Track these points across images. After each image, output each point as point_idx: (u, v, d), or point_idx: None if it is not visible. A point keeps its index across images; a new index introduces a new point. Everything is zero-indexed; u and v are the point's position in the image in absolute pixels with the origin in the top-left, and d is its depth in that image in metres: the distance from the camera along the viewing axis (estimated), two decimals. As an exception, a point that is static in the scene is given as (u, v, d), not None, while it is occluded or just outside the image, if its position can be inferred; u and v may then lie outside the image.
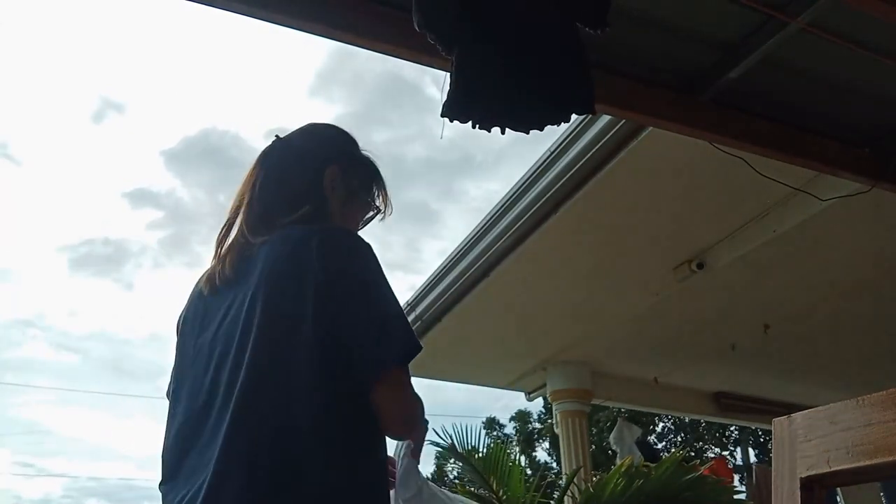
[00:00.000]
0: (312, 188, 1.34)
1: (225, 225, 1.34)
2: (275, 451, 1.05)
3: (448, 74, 2.21)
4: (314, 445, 1.07)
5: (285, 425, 1.07)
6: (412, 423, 1.21)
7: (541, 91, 1.71)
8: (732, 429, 18.63)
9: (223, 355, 1.15)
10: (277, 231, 1.24)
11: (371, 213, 1.45)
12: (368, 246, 1.23)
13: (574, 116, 3.47)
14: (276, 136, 1.42)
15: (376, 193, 1.44)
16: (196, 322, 1.27)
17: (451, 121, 1.65)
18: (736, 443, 19.61)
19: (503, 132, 1.69)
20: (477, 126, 1.66)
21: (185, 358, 1.26)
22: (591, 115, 3.20)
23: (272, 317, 1.12)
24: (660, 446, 17.44)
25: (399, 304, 1.21)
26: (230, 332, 1.15)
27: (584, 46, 1.73)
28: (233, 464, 1.05)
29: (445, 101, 1.65)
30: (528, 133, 1.73)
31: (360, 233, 1.42)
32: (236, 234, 1.30)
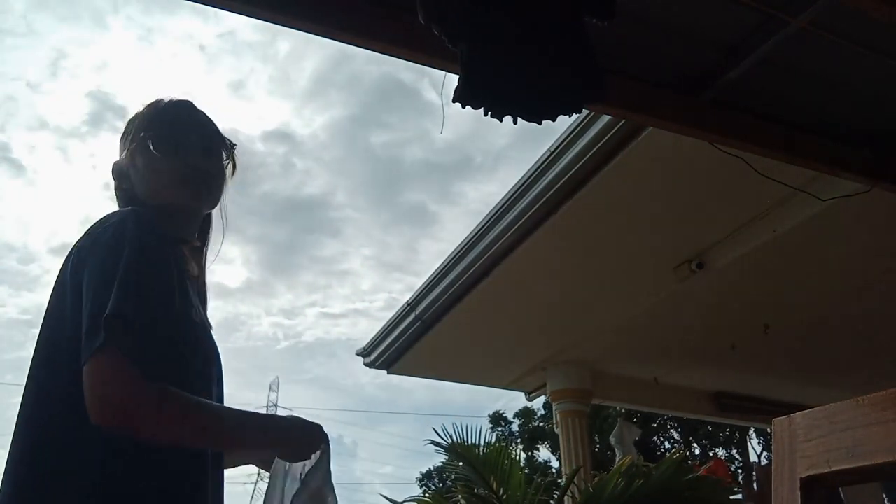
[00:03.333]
0: (123, 167, 1.37)
1: None
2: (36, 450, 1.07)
3: (446, 75, 2.22)
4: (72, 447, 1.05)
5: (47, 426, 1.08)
6: (113, 408, 1.00)
7: (552, 81, 1.69)
8: (728, 431, 18.61)
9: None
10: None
11: (186, 162, 1.32)
12: (132, 225, 1.14)
13: (571, 119, 3.50)
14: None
15: (185, 134, 1.35)
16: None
17: (464, 106, 1.61)
18: (730, 442, 19.60)
19: (515, 122, 1.65)
20: (489, 114, 1.64)
21: None
22: (593, 113, 3.21)
23: (49, 311, 1.16)
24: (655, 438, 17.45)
25: (132, 281, 1.07)
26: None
27: (591, 37, 1.73)
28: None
29: (457, 87, 1.63)
30: (540, 124, 1.71)
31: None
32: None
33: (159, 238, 1.19)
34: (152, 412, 1.01)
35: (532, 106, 1.70)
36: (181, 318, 1.16)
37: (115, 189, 1.38)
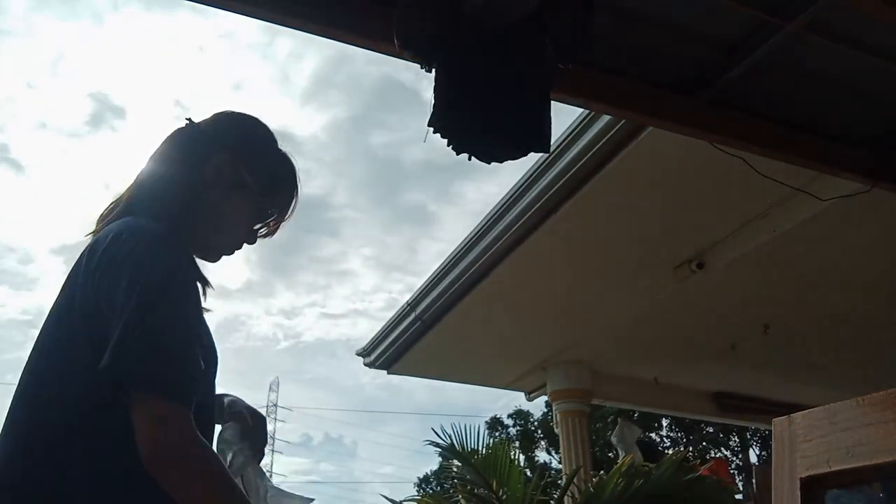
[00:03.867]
0: (192, 178, 1.27)
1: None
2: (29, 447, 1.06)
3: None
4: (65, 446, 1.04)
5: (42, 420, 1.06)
6: (164, 465, 0.99)
7: (504, 126, 1.78)
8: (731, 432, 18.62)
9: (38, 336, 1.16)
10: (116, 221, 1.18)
11: (265, 210, 1.33)
12: (172, 255, 1.13)
13: (571, 118, 3.50)
14: (188, 119, 1.35)
15: (278, 193, 1.34)
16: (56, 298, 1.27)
17: (435, 133, 1.71)
18: (731, 446, 19.60)
19: (469, 159, 1.75)
20: (451, 146, 1.72)
21: None
22: (593, 113, 3.23)
23: (55, 311, 1.14)
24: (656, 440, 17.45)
25: (182, 329, 1.07)
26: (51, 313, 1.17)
27: (550, 81, 1.80)
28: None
29: (432, 114, 1.71)
30: (489, 163, 1.80)
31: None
32: (108, 209, 1.28)
33: (190, 262, 1.20)
34: (193, 471, 1.01)
35: (486, 147, 1.79)
36: (203, 334, 1.16)
37: (146, 176, 1.29)
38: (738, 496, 6.51)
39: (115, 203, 1.28)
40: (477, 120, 1.73)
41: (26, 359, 1.14)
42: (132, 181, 1.29)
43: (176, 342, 1.05)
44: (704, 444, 19.03)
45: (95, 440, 1.04)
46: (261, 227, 1.36)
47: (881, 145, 2.94)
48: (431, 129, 1.70)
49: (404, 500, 4.44)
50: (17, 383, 1.13)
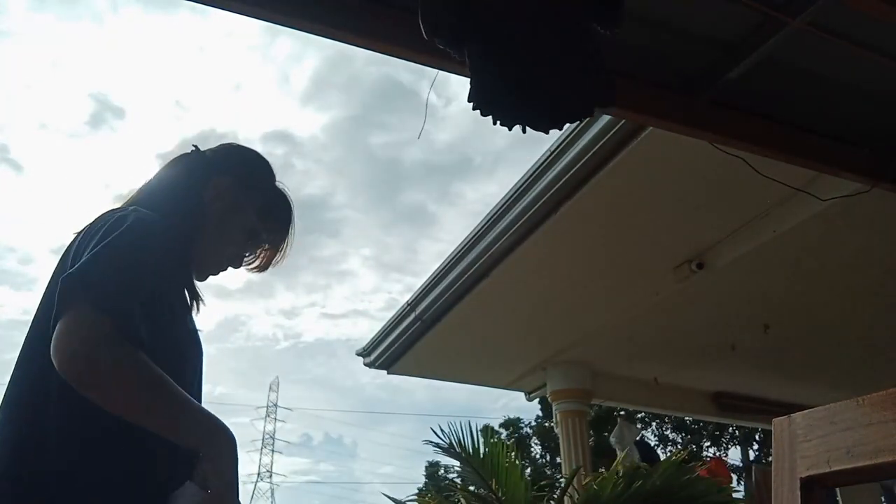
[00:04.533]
0: (194, 191, 1.35)
1: None
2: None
3: (438, 73, 2.22)
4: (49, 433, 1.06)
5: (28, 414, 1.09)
6: (75, 362, 0.98)
7: (560, 88, 1.70)
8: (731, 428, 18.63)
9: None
10: None
11: (256, 235, 1.41)
12: (158, 227, 1.18)
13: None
14: (194, 146, 1.44)
15: (273, 223, 1.43)
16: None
17: (474, 109, 1.62)
18: (734, 443, 19.61)
19: (524, 131, 1.66)
20: (498, 122, 1.63)
21: None
22: (578, 129, 3.21)
23: (44, 298, 1.17)
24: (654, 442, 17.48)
25: (129, 256, 1.09)
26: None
27: (598, 40, 1.72)
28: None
29: (471, 91, 1.63)
30: (547, 133, 1.71)
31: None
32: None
33: (181, 251, 1.25)
34: (114, 370, 1.00)
35: (539, 114, 1.71)
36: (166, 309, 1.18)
37: (151, 185, 1.36)
38: (738, 495, 6.51)
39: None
40: (527, 87, 1.66)
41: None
42: (135, 192, 1.36)
43: (114, 261, 1.06)
44: (688, 435, 19.03)
45: (66, 407, 1.05)
46: (249, 256, 1.44)
47: (881, 145, 2.94)
48: (472, 106, 1.63)
49: (406, 500, 4.44)
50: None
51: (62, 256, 1.21)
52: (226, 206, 1.37)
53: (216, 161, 1.41)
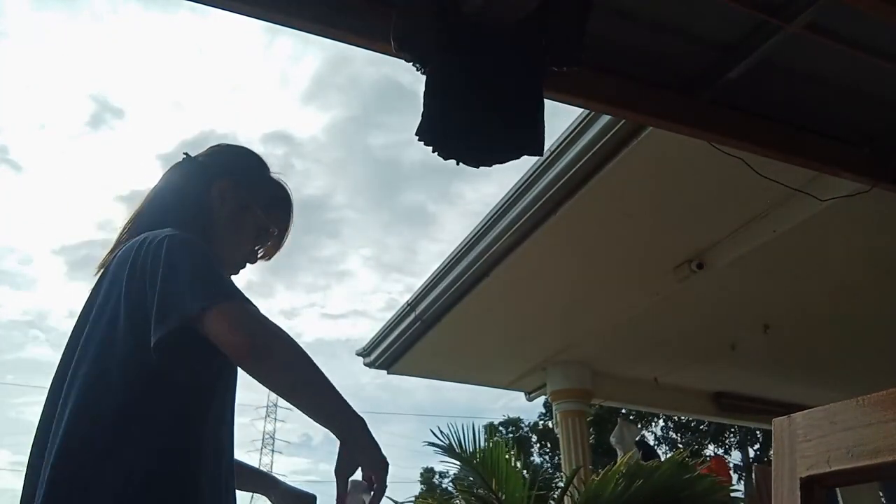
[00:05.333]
0: (199, 198, 1.39)
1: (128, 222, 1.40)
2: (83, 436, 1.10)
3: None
4: (114, 430, 1.10)
5: (94, 413, 1.12)
6: (256, 345, 1.07)
7: (497, 130, 1.78)
8: (732, 429, 18.63)
9: (71, 343, 1.24)
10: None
11: (266, 230, 1.45)
12: (198, 244, 1.23)
13: (571, 119, 3.50)
14: (185, 153, 1.47)
15: (278, 213, 1.47)
16: (82, 308, 1.34)
17: (419, 140, 1.72)
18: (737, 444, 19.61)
19: (458, 163, 1.76)
20: (437, 153, 1.73)
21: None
22: (593, 113, 3.22)
23: (99, 313, 1.20)
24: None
25: (211, 270, 1.17)
26: (80, 323, 1.24)
27: (541, 91, 1.80)
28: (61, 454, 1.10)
29: (419, 124, 1.72)
30: (477, 168, 1.81)
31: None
32: (121, 233, 1.38)
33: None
34: (281, 346, 1.09)
35: (473, 149, 1.79)
36: None
37: (155, 198, 1.40)
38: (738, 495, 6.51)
39: (130, 224, 1.37)
40: (468, 123, 1.74)
41: (62, 359, 1.23)
42: (139, 209, 1.40)
43: (202, 268, 1.15)
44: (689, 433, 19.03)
45: (141, 419, 1.11)
46: (259, 248, 1.47)
47: (881, 145, 2.94)
48: (417, 137, 1.72)
49: (406, 500, 4.44)
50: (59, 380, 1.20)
51: (100, 289, 1.24)
52: (233, 207, 1.40)
53: (212, 165, 1.44)
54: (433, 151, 1.73)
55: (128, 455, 1.08)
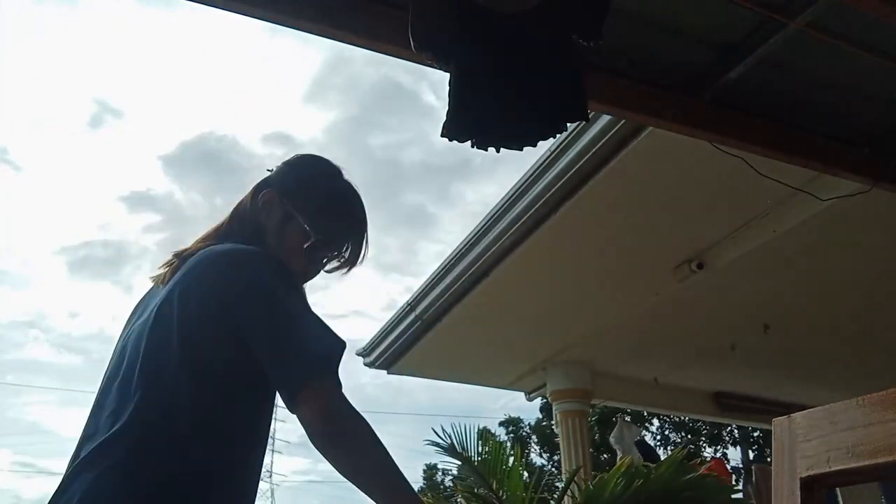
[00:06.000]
0: (251, 212, 1.40)
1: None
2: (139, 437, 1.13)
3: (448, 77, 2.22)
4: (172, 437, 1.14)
5: (152, 419, 1.14)
6: (334, 438, 1.14)
7: (536, 106, 1.74)
8: (730, 428, 18.64)
9: (128, 347, 1.26)
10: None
11: (316, 242, 1.39)
12: (277, 265, 1.26)
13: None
14: (269, 169, 1.46)
15: (323, 223, 1.39)
16: (136, 312, 1.37)
17: (451, 140, 1.67)
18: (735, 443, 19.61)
19: (498, 151, 1.71)
20: (475, 146, 1.68)
21: (117, 342, 1.35)
22: (593, 113, 3.20)
23: (161, 322, 1.21)
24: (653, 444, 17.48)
25: (310, 321, 1.23)
26: (140, 329, 1.25)
27: (580, 55, 1.75)
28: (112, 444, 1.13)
29: (445, 122, 1.67)
30: (521, 150, 1.76)
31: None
32: (194, 242, 1.38)
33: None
34: (358, 438, 1.15)
35: (515, 133, 1.74)
36: None
37: (235, 218, 1.42)
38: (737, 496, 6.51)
39: (209, 237, 1.40)
40: (501, 108, 1.69)
41: (116, 353, 1.29)
42: (225, 220, 1.43)
43: (310, 335, 1.20)
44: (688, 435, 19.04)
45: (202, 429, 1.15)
46: (325, 260, 1.44)
47: (881, 145, 2.94)
48: (447, 138, 1.68)
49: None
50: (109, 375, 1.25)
51: (177, 286, 1.25)
52: (278, 218, 1.39)
53: (271, 178, 1.44)
54: (472, 146, 1.67)
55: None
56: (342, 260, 1.44)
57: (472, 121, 1.68)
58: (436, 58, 1.70)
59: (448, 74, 1.70)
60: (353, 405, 1.17)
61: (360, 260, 1.45)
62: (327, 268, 1.45)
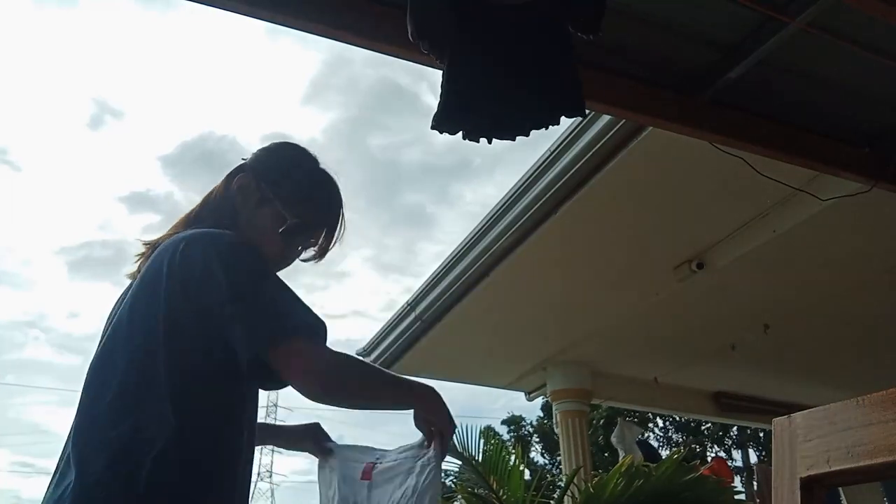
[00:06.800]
0: (224, 196, 1.40)
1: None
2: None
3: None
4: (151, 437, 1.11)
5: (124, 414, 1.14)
6: (322, 376, 1.16)
7: (531, 96, 1.71)
8: (734, 429, 18.63)
9: (102, 342, 1.26)
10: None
11: (291, 226, 1.38)
12: (241, 246, 1.26)
13: (571, 119, 3.49)
14: (243, 158, 1.46)
15: (306, 208, 1.39)
16: (114, 307, 1.35)
17: (441, 132, 1.66)
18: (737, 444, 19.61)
19: (490, 142, 1.70)
20: (466, 138, 1.67)
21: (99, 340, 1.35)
22: (593, 113, 3.20)
23: (130, 315, 1.22)
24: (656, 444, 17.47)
25: (288, 297, 1.23)
26: (116, 321, 1.25)
27: (574, 49, 1.73)
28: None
29: (435, 115, 1.66)
30: (514, 140, 1.74)
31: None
32: (168, 231, 1.38)
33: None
34: (347, 380, 1.21)
35: (509, 122, 1.72)
36: None
37: (206, 205, 1.41)
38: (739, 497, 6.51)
39: (181, 224, 1.39)
40: (493, 98, 1.66)
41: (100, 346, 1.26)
42: (196, 206, 1.42)
43: (278, 303, 1.20)
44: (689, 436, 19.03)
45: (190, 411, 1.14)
46: (301, 247, 1.44)
47: (881, 145, 2.94)
48: (437, 130, 1.66)
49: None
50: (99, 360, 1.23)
51: (146, 275, 1.25)
52: (253, 202, 1.38)
53: (246, 164, 1.44)
54: (464, 137, 1.66)
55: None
56: (318, 248, 1.45)
57: (463, 112, 1.66)
58: (431, 47, 1.69)
59: (443, 66, 1.69)
60: (332, 350, 1.19)
61: (333, 244, 1.46)
62: (303, 256, 1.45)
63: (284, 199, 1.38)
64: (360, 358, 1.22)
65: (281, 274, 1.33)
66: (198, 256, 1.20)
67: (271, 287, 1.22)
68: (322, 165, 1.47)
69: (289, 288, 1.26)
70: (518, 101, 1.70)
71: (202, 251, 1.21)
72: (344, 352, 1.23)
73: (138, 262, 1.34)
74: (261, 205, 1.38)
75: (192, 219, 1.38)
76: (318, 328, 1.20)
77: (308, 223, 1.40)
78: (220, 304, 1.15)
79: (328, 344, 1.21)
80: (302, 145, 1.49)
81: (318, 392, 1.15)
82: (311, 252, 1.45)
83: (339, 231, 1.45)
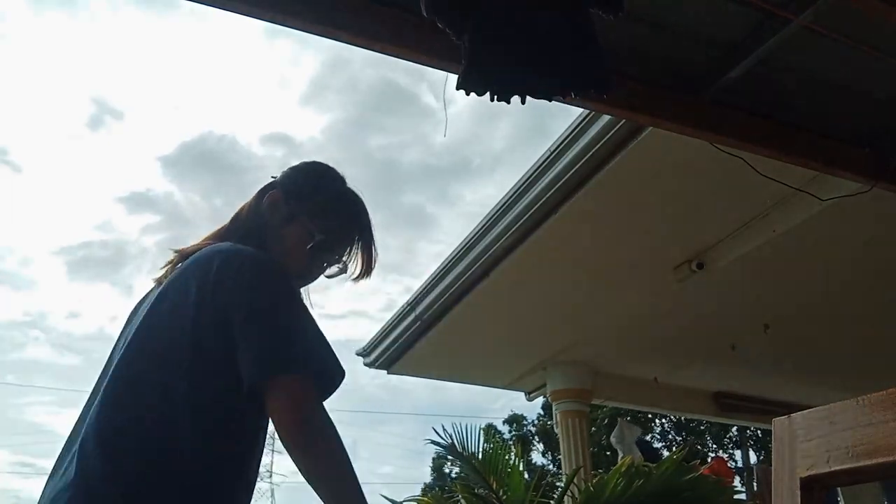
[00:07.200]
0: (255, 212, 1.43)
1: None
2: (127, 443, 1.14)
3: (447, 76, 2.22)
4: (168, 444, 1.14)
5: (145, 420, 1.15)
6: (302, 432, 1.16)
7: (557, 62, 1.66)
8: (734, 430, 18.64)
9: (122, 346, 1.27)
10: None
11: (318, 243, 1.40)
12: (275, 269, 1.28)
13: (571, 119, 3.48)
14: (273, 176, 1.49)
15: (324, 224, 1.41)
16: (136, 310, 1.36)
17: (468, 93, 1.59)
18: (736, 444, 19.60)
19: (523, 101, 1.62)
20: (495, 98, 1.59)
21: (117, 340, 1.36)
22: (593, 113, 3.20)
23: (154, 325, 1.23)
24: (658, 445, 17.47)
25: (307, 327, 1.24)
26: (139, 326, 1.26)
27: (595, 27, 1.70)
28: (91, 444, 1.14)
29: (460, 75, 1.60)
30: (550, 100, 1.68)
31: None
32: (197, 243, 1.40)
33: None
34: (323, 439, 1.17)
35: (539, 83, 1.65)
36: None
37: (237, 220, 1.44)
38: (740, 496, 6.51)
39: (213, 237, 1.42)
40: (522, 62, 1.61)
41: (116, 346, 1.29)
42: (228, 222, 1.45)
43: (292, 332, 1.20)
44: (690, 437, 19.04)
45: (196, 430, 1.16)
46: (326, 264, 1.45)
47: (881, 145, 2.94)
48: (463, 90, 1.59)
49: (406, 500, 4.44)
50: (109, 370, 1.24)
51: (174, 283, 1.26)
52: (281, 218, 1.41)
53: (276, 181, 1.47)
54: (492, 97, 1.59)
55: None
56: (343, 265, 1.46)
57: (491, 72, 1.60)
58: (447, 24, 1.64)
59: (460, 42, 1.64)
60: (329, 417, 1.18)
61: (366, 268, 1.46)
62: (328, 272, 1.46)
63: (312, 215, 1.41)
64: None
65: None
66: (228, 272, 1.22)
67: (290, 315, 1.23)
68: (350, 185, 1.50)
69: (313, 321, 1.26)
70: (543, 68, 1.65)
71: (232, 267, 1.23)
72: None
73: (165, 269, 1.36)
74: (288, 220, 1.41)
75: (223, 234, 1.41)
76: (326, 369, 1.21)
77: (334, 240, 1.43)
78: (237, 321, 1.17)
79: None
80: (330, 164, 1.53)
81: (290, 429, 1.16)
82: (335, 269, 1.46)
83: (373, 251, 1.47)
